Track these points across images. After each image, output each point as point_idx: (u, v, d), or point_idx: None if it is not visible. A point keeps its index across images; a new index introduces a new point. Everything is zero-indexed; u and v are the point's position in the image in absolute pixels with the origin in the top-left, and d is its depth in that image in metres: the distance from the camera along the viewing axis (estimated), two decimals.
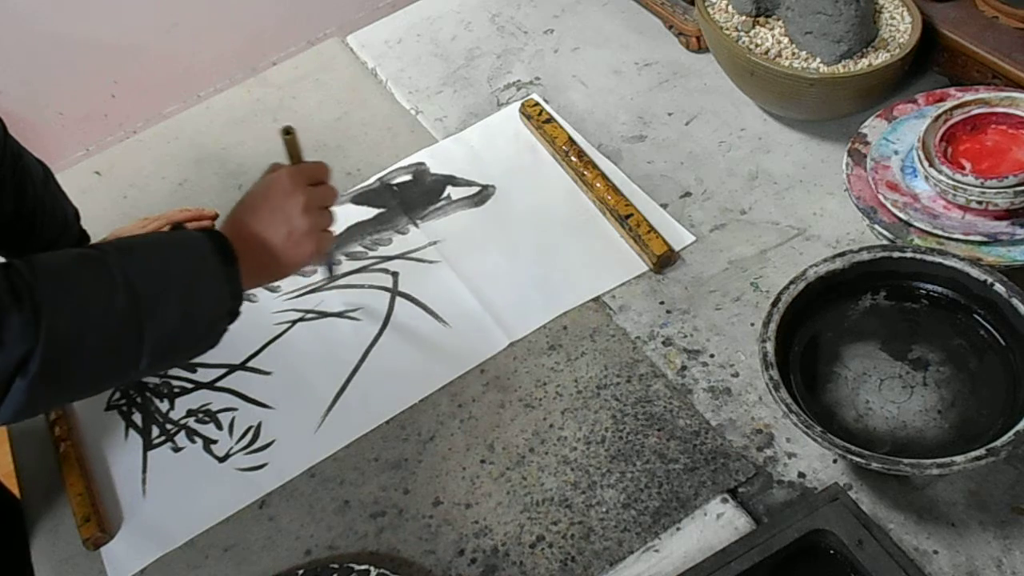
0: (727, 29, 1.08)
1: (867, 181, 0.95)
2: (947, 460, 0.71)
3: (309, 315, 1.03)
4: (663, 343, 0.94)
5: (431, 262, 1.06)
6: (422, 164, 1.16)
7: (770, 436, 0.86)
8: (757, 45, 1.06)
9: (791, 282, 0.84)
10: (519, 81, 1.25)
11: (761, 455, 0.84)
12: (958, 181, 0.87)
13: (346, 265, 1.07)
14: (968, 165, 0.90)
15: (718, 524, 0.80)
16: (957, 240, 0.88)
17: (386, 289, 1.04)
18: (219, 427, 0.96)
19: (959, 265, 0.82)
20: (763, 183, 1.06)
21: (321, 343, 1.00)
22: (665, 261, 0.99)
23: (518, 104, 1.19)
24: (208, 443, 0.95)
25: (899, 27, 1.04)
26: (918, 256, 0.84)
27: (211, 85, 1.90)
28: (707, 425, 0.87)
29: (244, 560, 0.86)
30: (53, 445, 0.96)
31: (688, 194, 1.07)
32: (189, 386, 1.00)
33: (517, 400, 0.92)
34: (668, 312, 0.96)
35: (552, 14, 1.33)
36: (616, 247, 1.03)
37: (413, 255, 1.07)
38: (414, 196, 1.13)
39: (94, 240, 1.06)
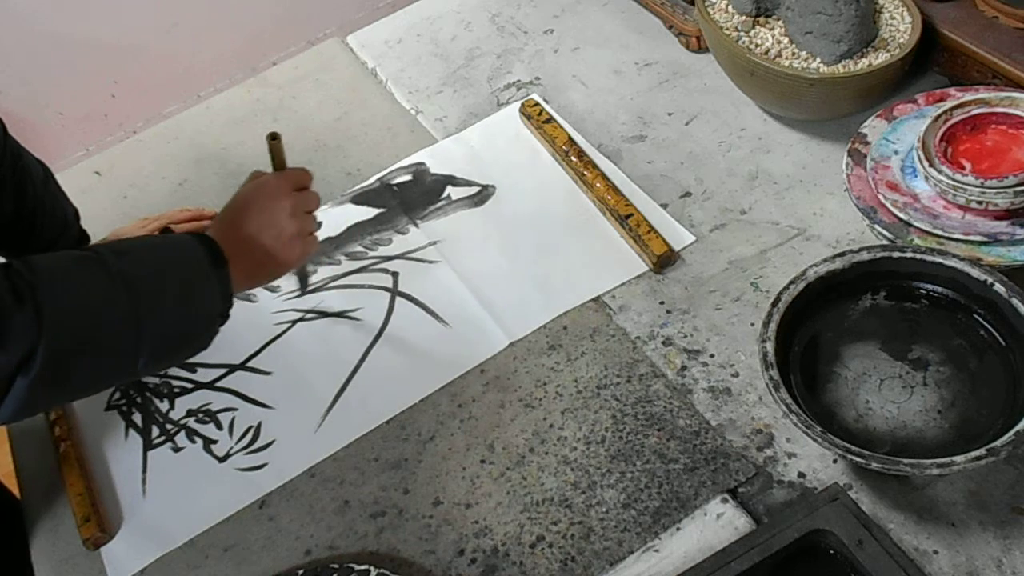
0: (727, 29, 1.08)
1: (867, 181, 0.95)
2: (947, 460, 0.71)
3: (309, 315, 1.03)
4: (663, 343, 0.94)
5: (431, 262, 1.06)
6: (422, 164, 1.16)
7: (770, 436, 0.86)
8: (757, 45, 1.06)
9: (791, 282, 0.84)
10: (519, 81, 1.25)
11: (761, 455, 0.84)
12: (958, 181, 0.87)
13: (346, 265, 1.07)
14: (968, 165, 0.90)
15: (718, 524, 0.80)
16: (957, 240, 0.88)
17: (386, 289, 1.04)
18: (219, 427, 0.96)
19: (959, 265, 0.82)
20: (763, 183, 1.06)
21: (321, 343, 1.00)
22: (665, 261, 0.99)
23: (518, 104, 1.19)
24: (208, 443, 0.95)
25: (899, 27, 1.04)
26: (918, 256, 0.84)
27: (211, 85, 1.90)
28: (707, 425, 0.87)
29: (244, 560, 0.86)
30: (53, 445, 0.96)
31: (688, 194, 1.07)
32: (189, 386, 1.00)
33: (517, 400, 0.92)
34: (668, 312, 0.96)
35: (552, 14, 1.33)
36: (616, 247, 1.03)
37: (413, 255, 1.07)
38: (414, 196, 1.13)
39: (94, 240, 1.06)
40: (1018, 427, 0.72)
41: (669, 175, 1.09)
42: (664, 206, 1.06)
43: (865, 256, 0.84)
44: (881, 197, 0.92)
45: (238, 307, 0.81)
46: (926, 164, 0.89)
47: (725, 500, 0.82)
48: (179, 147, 1.27)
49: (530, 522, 0.84)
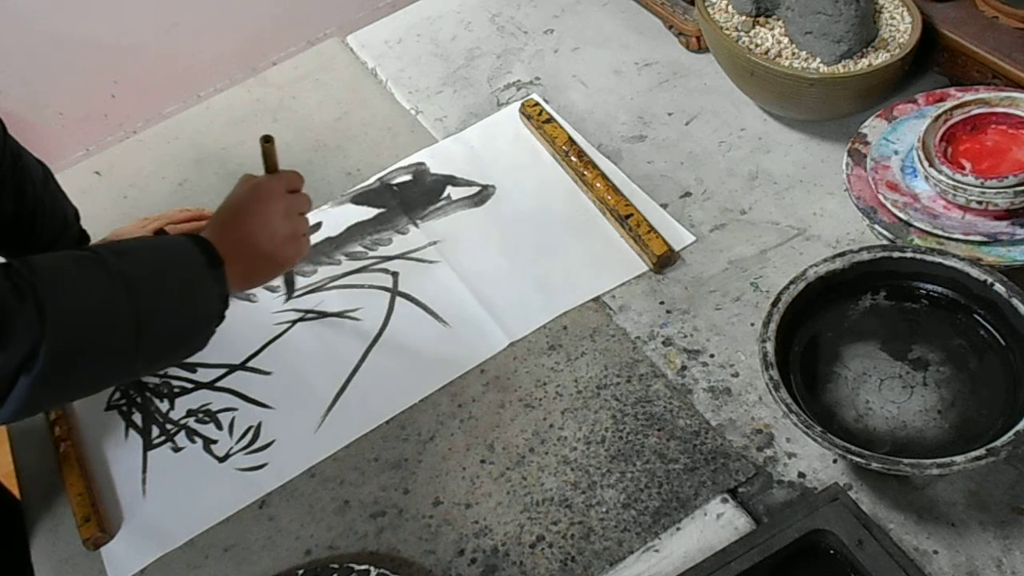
0: (727, 29, 1.08)
1: (867, 181, 0.95)
2: (947, 460, 0.71)
3: (309, 315, 1.03)
4: (663, 343, 0.94)
5: (431, 262, 1.06)
6: (422, 164, 1.16)
7: (770, 436, 0.86)
8: (757, 45, 1.06)
9: (791, 282, 0.84)
10: (519, 81, 1.25)
11: (761, 455, 0.84)
12: (958, 181, 0.87)
13: (346, 265, 1.07)
14: (968, 165, 0.90)
15: (718, 524, 0.80)
16: (957, 240, 0.88)
17: (386, 289, 1.04)
18: (219, 427, 0.96)
19: (959, 265, 0.82)
20: (763, 183, 1.06)
21: (321, 343, 1.00)
22: (665, 261, 0.99)
23: (518, 104, 1.19)
24: (208, 443, 0.95)
25: (899, 27, 1.04)
26: (918, 256, 0.84)
27: (211, 85, 1.90)
28: (707, 425, 0.87)
29: (244, 560, 0.86)
30: (53, 445, 0.96)
31: (688, 194, 1.07)
32: (189, 386, 1.00)
33: (517, 400, 0.92)
34: (668, 312, 0.96)
35: (552, 14, 1.33)
36: (616, 247, 1.03)
37: (413, 255, 1.07)
38: (414, 196, 1.13)
39: (94, 240, 1.06)
40: (1018, 427, 0.72)
41: (669, 175, 1.09)
42: (664, 206, 1.06)
43: (865, 256, 0.84)
44: (881, 197, 0.92)
45: (238, 307, 0.82)
46: (926, 164, 0.89)
47: (725, 500, 0.82)
48: (179, 147, 1.27)
49: (530, 522, 0.84)
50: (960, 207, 0.89)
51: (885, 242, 0.91)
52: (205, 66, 1.97)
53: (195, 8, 1.93)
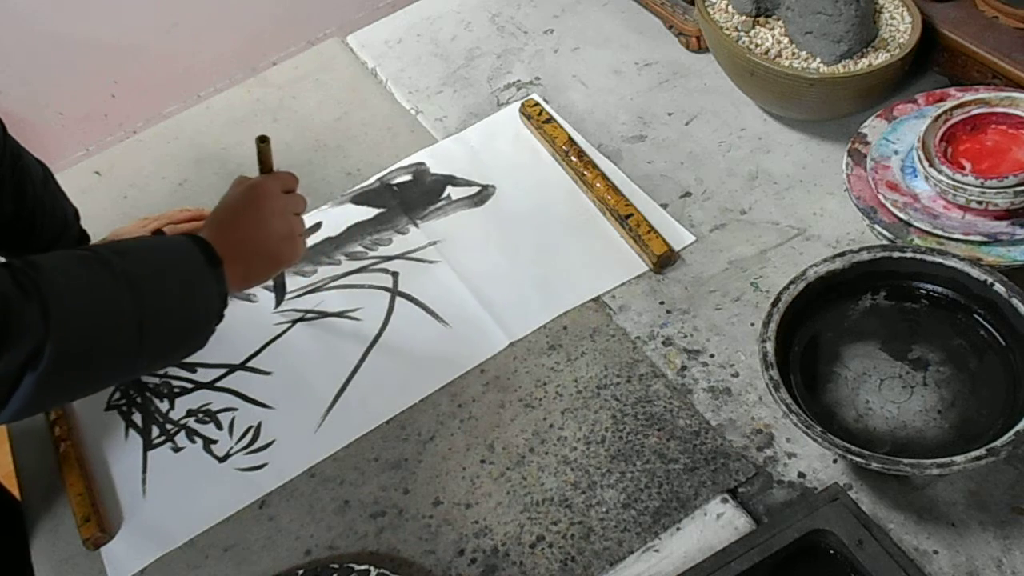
0: (727, 29, 1.08)
1: (867, 181, 0.95)
2: (947, 460, 0.71)
3: (309, 315, 1.03)
4: (663, 343, 0.94)
5: (431, 262, 1.06)
6: (422, 164, 1.16)
7: (770, 436, 0.86)
8: (757, 45, 1.06)
9: (791, 282, 0.84)
10: (519, 81, 1.25)
11: (761, 455, 0.84)
12: (958, 181, 0.87)
13: (346, 265, 1.07)
14: (968, 165, 0.90)
15: (718, 524, 0.80)
16: (957, 240, 0.88)
17: (386, 289, 1.04)
18: (219, 427, 0.96)
19: (959, 265, 0.82)
20: (763, 183, 1.06)
21: (321, 343, 1.00)
22: (665, 261, 0.99)
23: (518, 104, 1.19)
24: (208, 443, 0.95)
25: (899, 27, 1.04)
26: (918, 256, 0.84)
27: (211, 85, 1.90)
28: (707, 425, 0.87)
29: (244, 560, 0.86)
30: (53, 445, 0.96)
31: (688, 194, 1.07)
32: (189, 386, 1.00)
33: (517, 400, 0.92)
34: (668, 312, 0.96)
35: (552, 14, 1.33)
36: (616, 247, 1.03)
37: (413, 255, 1.07)
38: (414, 196, 1.13)
39: (94, 240, 1.06)
40: (1018, 427, 0.72)
41: (669, 175, 1.09)
42: (664, 206, 1.06)
43: (865, 256, 0.84)
44: (881, 197, 0.92)
45: (238, 307, 0.82)
46: (926, 164, 0.89)
47: (725, 500, 0.82)
48: (179, 147, 1.27)
49: (530, 522, 0.84)
50: (960, 207, 0.89)
51: (885, 242, 0.91)
52: (205, 66, 1.97)
53: (195, 8, 1.93)
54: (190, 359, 0.98)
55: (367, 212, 1.12)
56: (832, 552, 0.75)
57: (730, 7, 1.10)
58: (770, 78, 1.03)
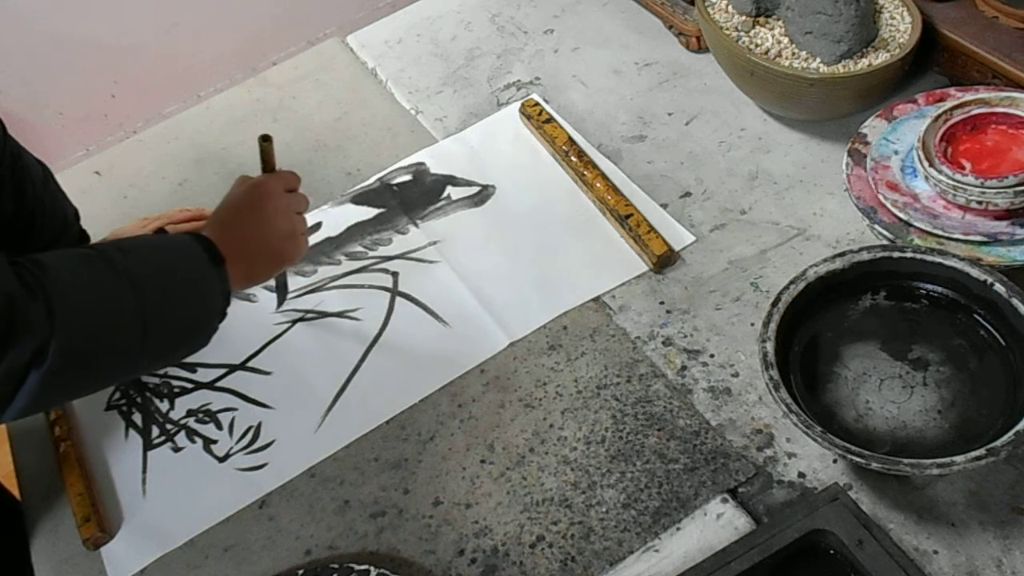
0: (727, 29, 1.08)
1: (867, 181, 0.95)
2: (947, 460, 0.71)
3: (309, 315, 1.03)
4: (663, 343, 0.94)
5: (431, 262, 1.06)
6: (422, 164, 1.16)
7: (770, 436, 0.86)
8: (757, 45, 1.06)
9: (791, 282, 0.84)
10: (519, 81, 1.25)
11: (761, 455, 0.84)
12: (958, 181, 0.87)
13: (346, 265, 1.07)
14: (968, 165, 0.90)
15: (718, 524, 0.80)
16: (957, 240, 0.88)
17: (386, 289, 1.04)
18: (219, 427, 0.96)
19: (959, 265, 0.82)
20: (763, 183, 1.06)
21: (321, 343, 1.00)
22: (665, 261, 0.99)
23: (518, 104, 1.19)
24: (208, 443, 0.95)
25: (899, 27, 1.04)
26: (918, 256, 0.84)
27: (211, 85, 1.90)
28: (707, 425, 0.87)
29: (244, 560, 0.86)
30: (53, 445, 0.96)
31: (688, 194, 1.07)
32: (189, 386, 1.00)
33: (517, 400, 0.92)
34: (668, 312, 0.96)
35: (552, 14, 1.33)
36: (616, 247, 1.03)
37: (413, 255, 1.07)
38: (414, 196, 1.13)
39: (94, 240, 1.06)
40: (1018, 427, 0.72)
41: (669, 175, 1.09)
42: (664, 206, 1.06)
43: (865, 256, 0.84)
44: (881, 197, 0.92)
45: (238, 307, 0.82)
46: (926, 164, 0.89)
47: (725, 500, 0.82)
48: (179, 147, 1.27)
49: (530, 522, 0.84)
50: (960, 207, 0.89)
51: (885, 242, 0.91)
52: (205, 66, 1.97)
53: (195, 8, 1.93)
54: (190, 359, 0.98)
55: (367, 212, 1.12)
56: (832, 552, 0.75)
57: (730, 7, 1.10)
58: (770, 78, 1.03)
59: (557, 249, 1.04)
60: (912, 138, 0.94)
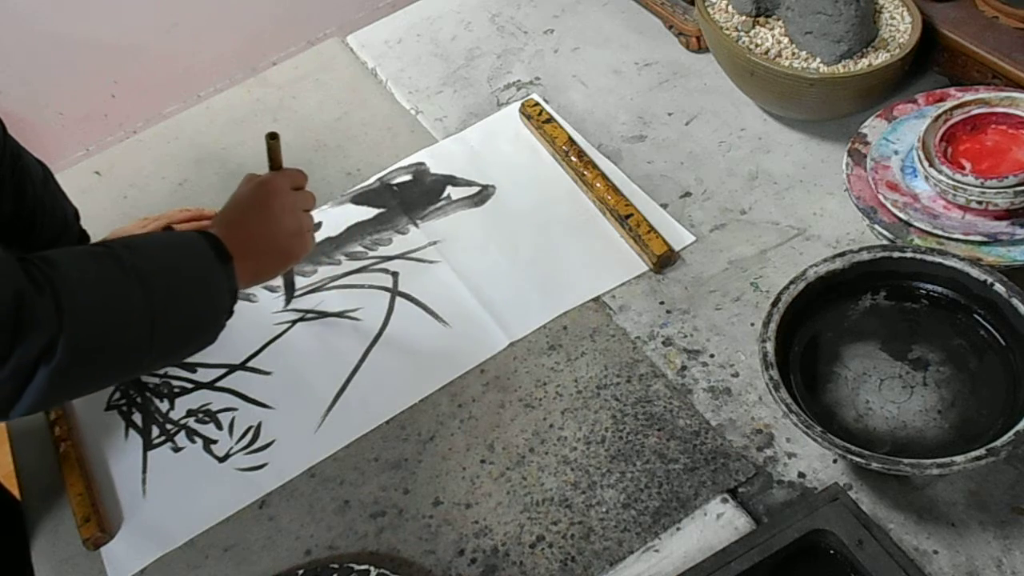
0: (727, 29, 1.08)
1: (867, 181, 0.95)
2: (947, 460, 0.71)
3: (309, 315, 1.03)
4: (663, 343, 0.94)
5: (431, 262, 1.06)
6: (422, 164, 1.16)
7: (770, 436, 0.86)
8: (757, 45, 1.06)
9: (791, 282, 0.84)
10: (519, 81, 1.25)
11: (761, 455, 0.84)
12: (958, 181, 0.87)
13: (346, 265, 1.07)
14: (968, 165, 0.90)
15: (718, 524, 0.80)
16: (957, 240, 0.88)
17: (386, 289, 1.04)
18: (219, 427, 0.96)
19: (959, 265, 0.82)
20: (763, 183, 1.06)
21: (321, 343, 1.00)
22: (665, 261, 0.99)
23: (518, 104, 1.19)
24: (208, 443, 0.95)
25: (899, 27, 1.04)
26: (918, 256, 0.84)
27: (211, 85, 1.90)
28: (707, 425, 0.87)
29: (244, 560, 0.86)
30: (53, 445, 0.96)
31: (688, 194, 1.07)
32: (189, 386, 1.00)
33: (517, 400, 0.92)
34: (668, 312, 0.96)
35: (552, 14, 1.33)
36: (616, 247, 1.03)
37: (413, 255, 1.07)
38: (414, 196, 1.13)
39: (94, 240, 1.06)
40: (1018, 427, 0.72)
41: (669, 175, 1.09)
42: (664, 206, 1.06)
43: (865, 256, 0.84)
44: (881, 197, 0.92)
45: (239, 307, 0.82)
46: (926, 164, 0.89)
47: (725, 500, 0.82)
48: (179, 147, 1.27)
49: (530, 522, 0.84)
50: (960, 207, 0.89)
51: (885, 242, 0.91)
52: (205, 66, 1.97)
53: (195, 8, 1.93)
54: (191, 359, 0.98)
55: (367, 212, 1.12)
56: (832, 552, 0.75)
57: (730, 7, 1.10)
58: (770, 78, 1.03)
59: (557, 249, 1.04)
60: (912, 138, 0.94)
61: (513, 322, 0.98)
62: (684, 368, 0.92)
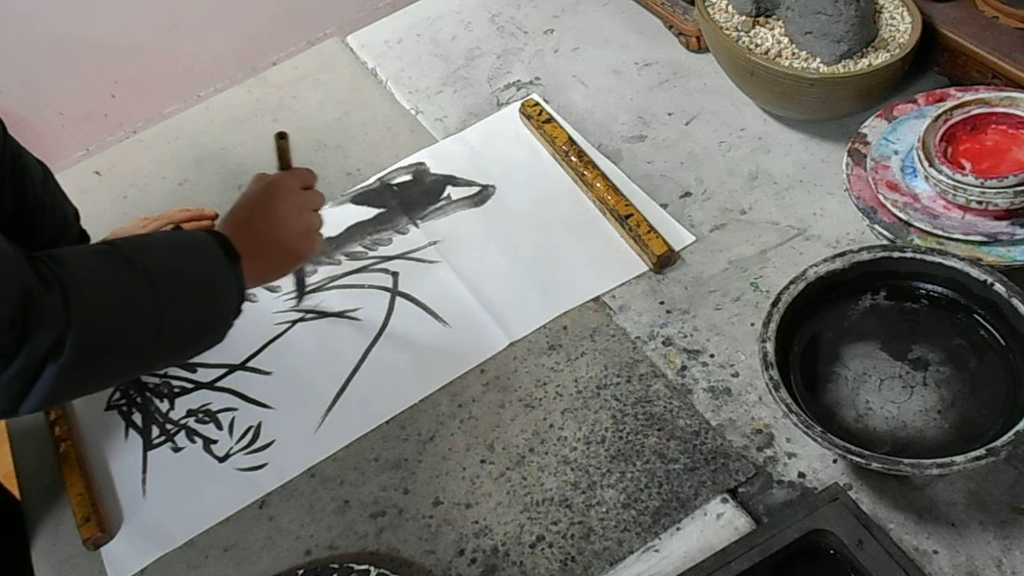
0: (727, 29, 1.08)
1: (867, 181, 0.95)
2: (947, 460, 0.71)
3: (309, 315, 1.03)
4: (663, 343, 0.94)
5: (431, 262, 1.06)
6: (422, 164, 1.16)
7: (770, 436, 0.86)
8: (757, 45, 1.06)
9: (791, 282, 0.84)
10: (519, 81, 1.25)
11: (761, 455, 0.84)
12: (958, 181, 0.87)
13: (346, 265, 1.07)
14: (968, 165, 0.90)
15: (718, 524, 0.80)
16: (957, 240, 0.88)
17: (386, 289, 1.04)
18: (219, 427, 0.96)
19: (959, 265, 0.82)
20: (763, 183, 1.06)
21: (321, 343, 1.00)
22: (665, 261, 0.99)
23: (518, 104, 1.19)
24: (208, 443, 0.95)
25: (899, 27, 1.04)
26: (918, 256, 0.84)
27: (211, 85, 1.90)
28: (707, 425, 0.87)
29: (244, 560, 0.86)
30: (53, 445, 0.96)
31: (688, 194, 1.07)
32: (189, 386, 1.00)
33: (517, 400, 0.92)
34: (668, 312, 0.96)
35: (552, 14, 1.33)
36: (616, 247, 1.03)
37: (413, 255, 1.07)
38: (414, 196, 1.13)
39: (94, 240, 1.06)
40: (1018, 427, 0.72)
41: (669, 175, 1.09)
42: (664, 206, 1.06)
43: (865, 256, 0.84)
44: (881, 197, 0.92)
45: None
46: (926, 164, 0.89)
47: (725, 500, 0.82)
48: (179, 147, 1.27)
49: (530, 522, 0.84)
50: (960, 207, 0.89)
51: (885, 242, 0.91)
52: (205, 66, 1.97)
53: (195, 8, 1.92)
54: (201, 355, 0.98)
55: (367, 212, 1.12)
56: (832, 552, 0.75)
57: (730, 7, 1.10)
58: (770, 78, 1.03)
59: (557, 249, 1.04)
60: (912, 138, 0.94)
61: (513, 322, 0.98)
62: (684, 368, 0.92)
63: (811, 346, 0.85)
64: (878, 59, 1.01)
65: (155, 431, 0.97)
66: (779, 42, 1.06)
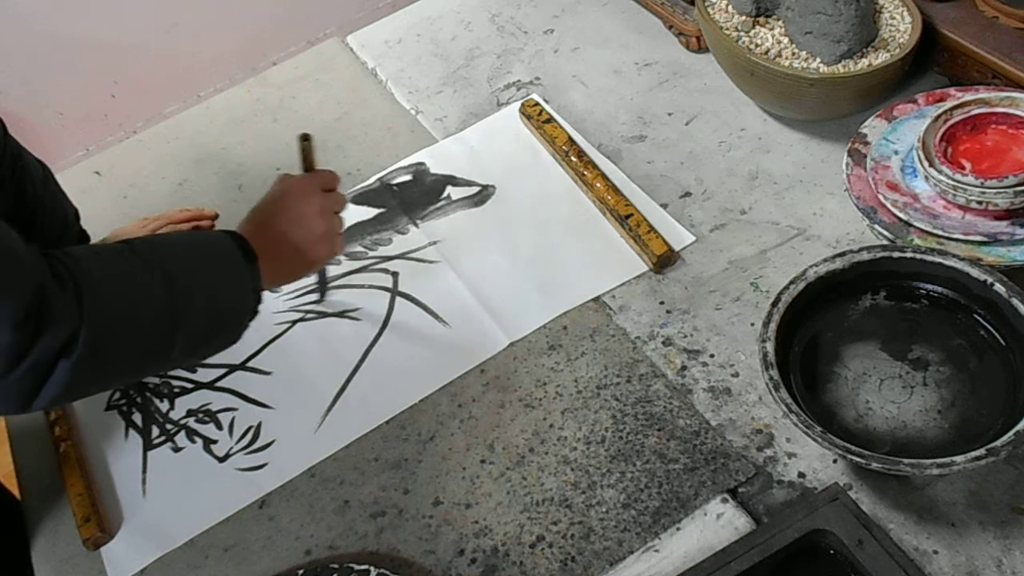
0: (727, 29, 1.08)
1: (867, 181, 0.95)
2: (947, 460, 0.71)
3: (309, 315, 1.03)
4: (663, 343, 0.94)
5: (431, 262, 1.06)
6: (422, 164, 1.16)
7: (770, 436, 0.86)
8: (757, 45, 1.06)
9: (791, 282, 0.84)
10: (519, 81, 1.25)
11: (761, 455, 0.84)
12: (958, 181, 0.87)
13: (346, 265, 1.07)
14: (968, 165, 0.90)
15: (718, 524, 0.80)
16: (957, 240, 0.88)
17: (386, 289, 1.04)
18: (219, 427, 0.96)
19: (959, 265, 0.82)
20: (763, 183, 1.06)
21: (321, 343, 1.00)
22: (665, 261, 0.99)
23: (518, 104, 1.19)
24: (208, 443, 0.95)
25: (899, 27, 1.04)
26: (918, 256, 0.84)
27: (211, 85, 1.90)
28: (707, 425, 0.87)
29: (244, 560, 0.86)
30: (53, 445, 0.96)
31: (688, 194, 1.07)
32: (189, 386, 1.00)
33: (517, 400, 0.92)
34: (668, 312, 0.96)
35: (552, 14, 1.33)
36: (616, 247, 1.03)
37: (413, 255, 1.07)
38: (414, 196, 1.13)
39: (94, 240, 1.06)
40: (1018, 427, 0.72)
41: (669, 175, 1.09)
42: (664, 206, 1.06)
43: (865, 256, 0.84)
44: (881, 197, 0.92)
45: None
46: (926, 164, 0.89)
47: (725, 500, 0.82)
48: (179, 147, 1.27)
49: (530, 522, 0.84)
50: (960, 207, 0.89)
51: (885, 242, 0.91)
52: (205, 66, 1.97)
53: (195, 8, 1.92)
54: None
55: (367, 212, 1.12)
56: (832, 552, 0.75)
57: (730, 7, 1.10)
58: (770, 78, 1.03)
59: (557, 249, 1.04)
60: (912, 138, 0.94)
61: (513, 322, 0.98)
62: (684, 368, 0.92)
63: (811, 346, 0.85)
64: (878, 59, 1.01)
65: (155, 431, 0.97)
66: (779, 42, 1.06)
